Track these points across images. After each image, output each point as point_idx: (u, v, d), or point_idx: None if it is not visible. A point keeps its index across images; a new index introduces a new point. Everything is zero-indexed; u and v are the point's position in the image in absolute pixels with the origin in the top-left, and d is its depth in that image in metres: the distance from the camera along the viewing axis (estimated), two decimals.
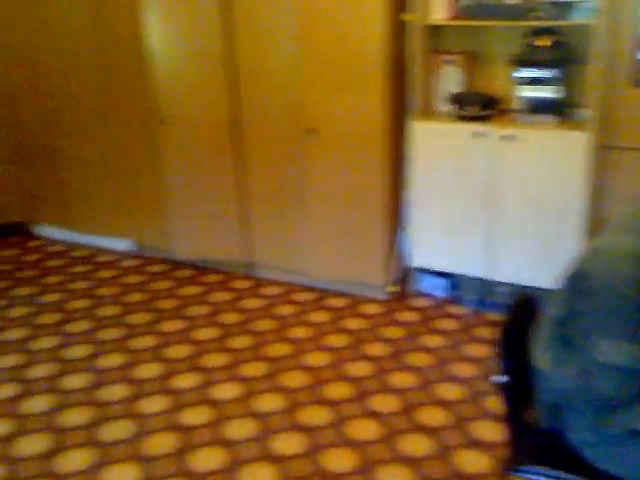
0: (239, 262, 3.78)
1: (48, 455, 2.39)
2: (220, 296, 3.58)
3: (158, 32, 3.41)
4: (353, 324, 3.26)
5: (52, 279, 3.83)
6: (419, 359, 2.94)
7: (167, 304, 3.51)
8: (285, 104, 3.30)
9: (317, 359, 2.96)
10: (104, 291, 3.67)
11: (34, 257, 4.15)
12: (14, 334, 3.24)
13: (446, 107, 3.24)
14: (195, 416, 2.59)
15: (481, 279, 3.25)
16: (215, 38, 3.31)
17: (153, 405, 2.66)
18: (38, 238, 4.42)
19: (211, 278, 3.79)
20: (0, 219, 4.37)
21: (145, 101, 3.62)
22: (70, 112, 3.95)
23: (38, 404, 2.68)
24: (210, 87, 3.43)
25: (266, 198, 3.54)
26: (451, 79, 3.28)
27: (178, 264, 3.94)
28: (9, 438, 2.48)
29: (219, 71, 3.37)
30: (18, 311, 3.46)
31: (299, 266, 3.60)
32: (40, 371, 2.92)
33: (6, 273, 3.92)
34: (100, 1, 3.60)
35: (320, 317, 3.33)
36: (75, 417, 2.59)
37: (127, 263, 4.03)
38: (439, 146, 3.14)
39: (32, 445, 2.44)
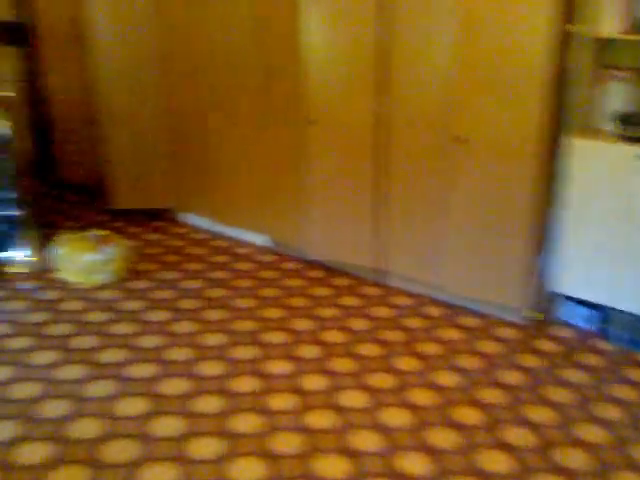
0: (370, 268, 3.75)
1: (180, 439, 2.48)
2: (349, 300, 3.57)
3: (314, 34, 3.45)
4: (488, 347, 3.12)
5: (193, 266, 4.01)
6: (559, 394, 2.75)
7: (298, 302, 3.55)
8: (434, 112, 3.22)
9: (447, 379, 2.86)
10: (240, 283, 3.78)
11: (179, 243, 4.36)
12: (158, 316, 3.41)
13: (608, 126, 3.02)
14: (321, 420, 2.58)
15: (635, 315, 3.00)
16: (369, 42, 3.30)
17: (281, 402, 2.69)
18: (182, 225, 4.65)
19: (341, 281, 3.79)
20: (150, 204, 4.65)
21: (295, 101, 3.69)
22: (224, 109, 4.10)
23: (174, 386, 2.80)
24: (359, 91, 3.42)
25: (405, 206, 3.48)
26: (617, 96, 3.05)
27: (310, 263, 3.98)
28: (146, 417, 2.60)
29: (370, 75, 3.35)
30: (162, 294, 3.65)
31: (433, 279, 3.50)
32: (178, 354, 3.05)
33: (154, 257, 4.15)
34: (261, 2, 3.71)
35: (452, 334, 3.23)
36: (206, 404, 2.68)
37: (263, 258, 4.13)
38: (598, 166, 2.93)
39: (166, 427, 2.54)
